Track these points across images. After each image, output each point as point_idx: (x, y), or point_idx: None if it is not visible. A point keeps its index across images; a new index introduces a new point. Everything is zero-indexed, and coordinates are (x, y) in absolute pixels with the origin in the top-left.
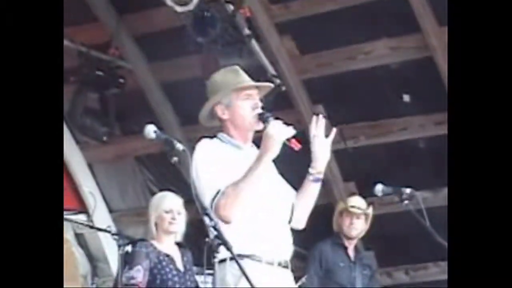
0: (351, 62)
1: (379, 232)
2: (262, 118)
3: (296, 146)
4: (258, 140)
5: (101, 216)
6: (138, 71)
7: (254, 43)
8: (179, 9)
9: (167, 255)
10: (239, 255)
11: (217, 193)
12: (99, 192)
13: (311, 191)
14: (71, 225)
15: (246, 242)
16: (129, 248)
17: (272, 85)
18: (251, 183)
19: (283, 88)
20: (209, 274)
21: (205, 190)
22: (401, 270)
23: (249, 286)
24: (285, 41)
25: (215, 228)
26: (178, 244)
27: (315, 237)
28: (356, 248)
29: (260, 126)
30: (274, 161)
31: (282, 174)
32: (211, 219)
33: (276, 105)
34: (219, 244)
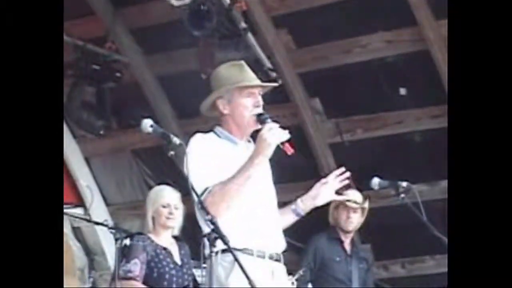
0: (347, 56)
1: (375, 226)
2: (260, 119)
3: (289, 150)
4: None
5: (98, 210)
6: (135, 64)
7: (250, 36)
8: (175, 2)
9: (165, 249)
10: (229, 249)
11: (205, 190)
12: (96, 185)
13: (288, 219)
14: (68, 218)
15: (238, 236)
16: (127, 241)
17: (276, 84)
18: (239, 184)
19: (279, 82)
20: (206, 267)
21: (194, 186)
22: (398, 263)
23: (239, 279)
24: (281, 34)
25: (211, 222)
26: (175, 237)
27: (310, 230)
28: (352, 242)
29: (257, 126)
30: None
31: None
32: (207, 213)
33: (273, 98)
34: (216, 238)
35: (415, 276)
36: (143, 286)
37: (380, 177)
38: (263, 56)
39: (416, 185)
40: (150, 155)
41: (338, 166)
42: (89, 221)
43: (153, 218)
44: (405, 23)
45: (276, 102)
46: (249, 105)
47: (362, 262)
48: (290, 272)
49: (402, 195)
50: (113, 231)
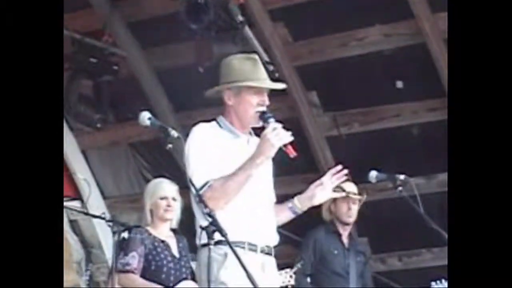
0: (344, 49)
1: (372, 219)
2: (263, 117)
3: (292, 153)
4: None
5: (95, 203)
6: (132, 58)
7: (247, 29)
8: None
9: (162, 241)
10: (222, 242)
11: (205, 184)
12: (93, 178)
13: (284, 216)
14: (65, 211)
15: (230, 229)
16: (125, 234)
17: (285, 85)
18: (240, 182)
19: (276, 75)
20: (197, 258)
21: (193, 178)
22: (395, 256)
23: (231, 272)
24: (278, 27)
25: (209, 215)
26: (173, 230)
27: (307, 224)
28: (350, 235)
29: (259, 123)
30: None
31: None
32: (205, 206)
33: (270, 91)
34: (214, 231)
35: (412, 269)
36: (141, 279)
37: (378, 170)
38: (260, 49)
39: (414, 178)
40: (148, 148)
41: (335, 160)
42: (86, 214)
43: (151, 211)
44: (402, 16)
45: (273, 96)
46: (255, 102)
47: (359, 255)
48: (287, 266)
49: (400, 188)
50: (110, 224)
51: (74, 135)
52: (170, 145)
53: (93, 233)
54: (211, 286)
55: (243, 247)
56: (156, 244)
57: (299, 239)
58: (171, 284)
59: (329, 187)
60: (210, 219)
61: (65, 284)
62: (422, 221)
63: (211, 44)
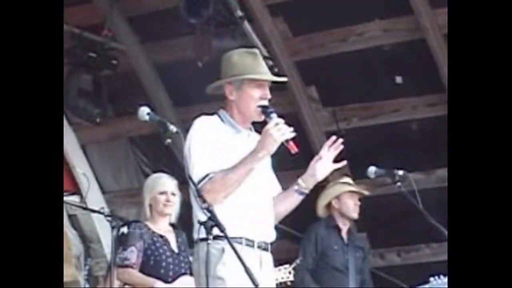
0: (343, 44)
1: (371, 214)
2: (265, 111)
3: (293, 149)
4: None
5: (94, 197)
6: (131, 52)
7: (246, 24)
8: None
9: (161, 236)
10: (220, 237)
11: (206, 176)
12: (92, 173)
13: (293, 200)
14: (64, 206)
15: (228, 224)
16: (124, 229)
17: (286, 79)
18: (240, 175)
19: (276, 70)
20: (194, 252)
21: (193, 170)
22: (393, 251)
23: (228, 267)
24: (277, 22)
25: (208, 210)
26: (172, 225)
27: (306, 219)
28: (349, 230)
29: (261, 118)
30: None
31: None
32: (204, 201)
33: (269, 87)
34: (213, 226)
35: (411, 265)
36: (140, 274)
37: (377, 166)
38: (259, 44)
39: (412, 174)
40: (147, 143)
41: None
42: (85, 208)
43: (150, 206)
44: (401, 12)
45: (272, 90)
46: (257, 96)
47: (358, 250)
48: (287, 261)
49: (398, 184)
50: (109, 218)
51: (73, 129)
52: (169, 140)
53: (92, 228)
54: (209, 281)
55: (241, 243)
56: (155, 239)
57: (297, 234)
58: (169, 279)
59: (328, 159)
60: (208, 214)
61: (64, 279)
62: (421, 217)
63: (210, 39)
